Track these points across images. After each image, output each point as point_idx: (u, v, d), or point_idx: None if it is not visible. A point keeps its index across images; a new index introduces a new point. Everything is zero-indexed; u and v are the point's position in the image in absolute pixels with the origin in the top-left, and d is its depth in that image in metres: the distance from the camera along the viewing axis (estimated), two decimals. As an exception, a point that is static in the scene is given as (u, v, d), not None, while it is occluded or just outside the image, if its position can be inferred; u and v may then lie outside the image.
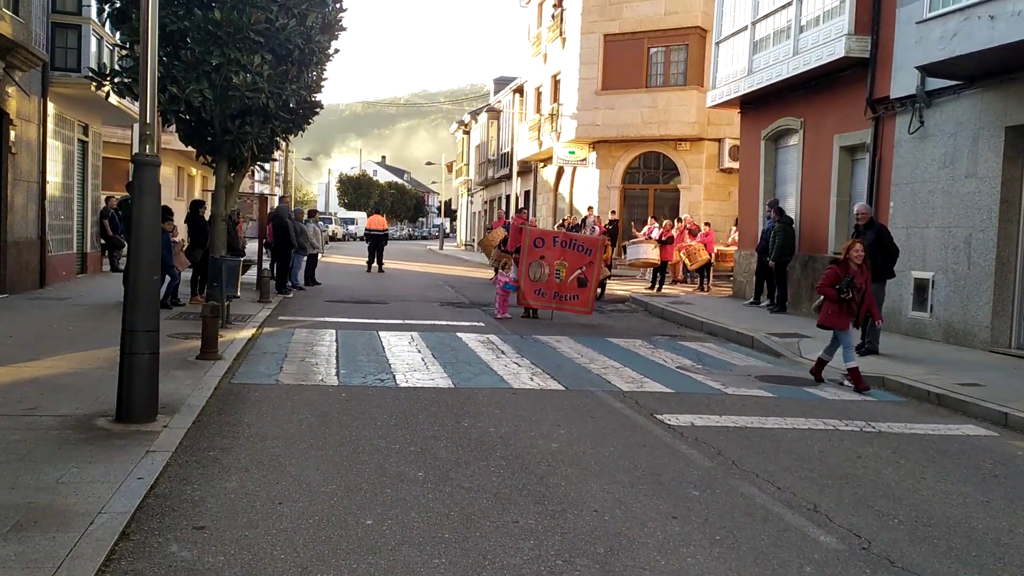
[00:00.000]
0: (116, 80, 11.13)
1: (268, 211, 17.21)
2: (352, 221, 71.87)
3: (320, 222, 55.81)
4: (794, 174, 16.52)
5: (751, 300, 16.86)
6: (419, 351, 10.36)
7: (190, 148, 12.96)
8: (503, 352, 10.60)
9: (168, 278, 12.93)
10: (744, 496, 5.20)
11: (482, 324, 13.50)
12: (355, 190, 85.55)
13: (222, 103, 11.06)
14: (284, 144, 13.18)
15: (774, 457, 6.18)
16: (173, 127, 12.64)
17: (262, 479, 5.09)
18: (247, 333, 10.85)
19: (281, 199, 17.06)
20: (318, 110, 13.04)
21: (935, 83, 12.04)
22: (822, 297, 9.46)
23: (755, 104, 17.69)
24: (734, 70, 17.54)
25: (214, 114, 11.23)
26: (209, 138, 12.00)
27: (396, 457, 5.68)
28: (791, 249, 15.42)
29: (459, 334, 12.06)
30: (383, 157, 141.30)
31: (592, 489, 5.21)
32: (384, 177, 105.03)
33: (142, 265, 6.11)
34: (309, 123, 13.23)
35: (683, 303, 17.01)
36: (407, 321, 13.35)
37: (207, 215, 13.21)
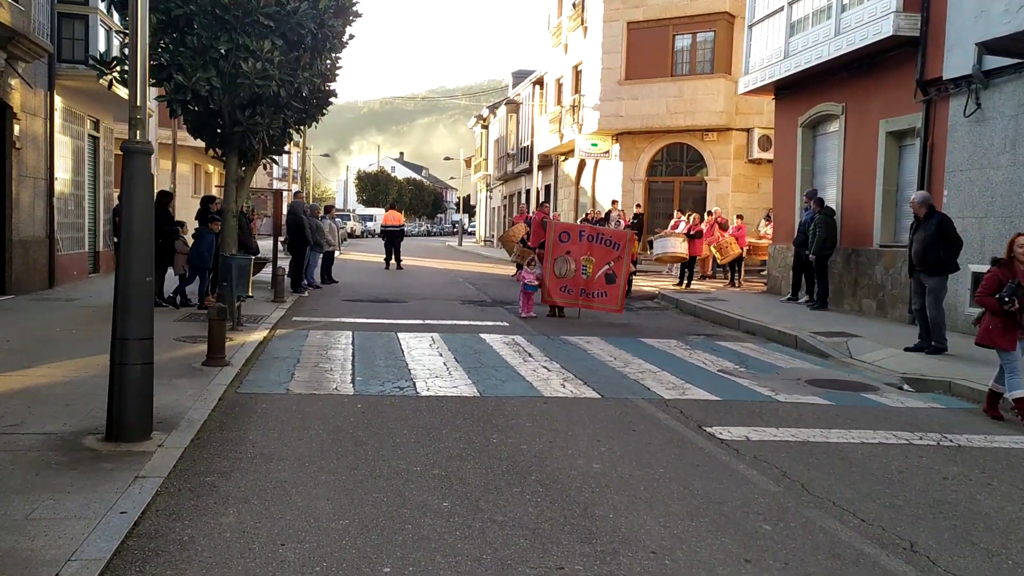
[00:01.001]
0: (120, 69, 10.50)
1: (283, 207, 16.58)
2: (370, 218, 71.34)
3: (338, 219, 55.53)
4: (834, 163, 15.66)
5: (788, 296, 16.03)
6: (441, 354, 9.66)
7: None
8: (530, 355, 9.88)
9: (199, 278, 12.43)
10: (825, 531, 4.45)
11: (506, 324, 12.79)
12: (373, 187, 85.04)
13: (231, 92, 10.40)
14: (297, 136, 12.46)
15: (848, 479, 5.42)
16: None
17: (264, 512, 4.41)
18: (258, 336, 10.20)
19: (296, 195, 16.42)
20: (332, 100, 12.35)
21: (992, 62, 11.18)
22: (981, 309, 7.54)
23: (791, 89, 16.83)
24: (768, 54, 16.69)
25: (222, 104, 10.57)
26: (218, 130, 11.36)
27: (418, 482, 4.98)
28: (833, 242, 14.58)
29: (482, 335, 11.35)
30: (401, 153, 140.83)
31: (645, 523, 4.48)
32: (402, 173, 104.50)
33: (133, 265, 5.45)
34: (323, 113, 12.54)
35: (716, 299, 16.21)
36: (427, 321, 12.66)
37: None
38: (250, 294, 10.94)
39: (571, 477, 5.20)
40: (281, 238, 16.77)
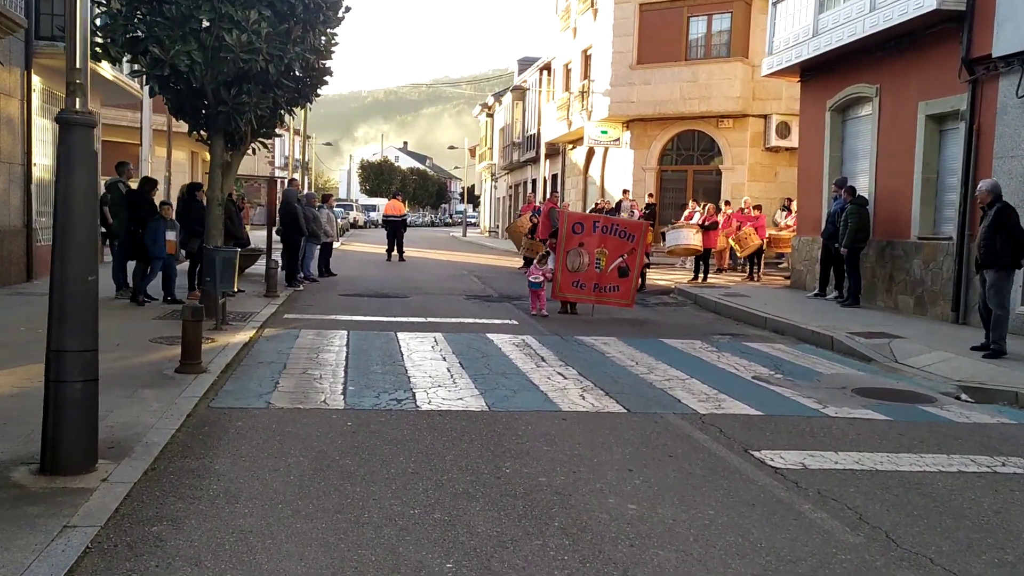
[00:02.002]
0: (92, 41, 9.51)
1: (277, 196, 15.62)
2: (374, 208, 70.36)
3: (339, 208, 54.60)
4: (866, 149, 14.64)
5: (815, 291, 15.03)
6: (444, 358, 8.71)
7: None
8: (543, 359, 8.93)
9: (150, 270, 11.40)
10: (934, 606, 3.50)
11: (515, 322, 11.83)
12: (377, 176, 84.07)
13: (214, 67, 9.43)
14: (289, 118, 11.47)
15: (938, 524, 4.46)
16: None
17: (218, 579, 3.47)
18: (243, 336, 9.25)
19: (290, 182, 15.45)
20: (328, 79, 11.36)
21: (1051, 37, 10.17)
22: None
23: (819, 71, 15.79)
24: (795, 32, 15.65)
25: (205, 80, 9.60)
26: (202, 110, 10.40)
27: (415, 532, 4.03)
28: (866, 234, 13.58)
29: (489, 335, 10.40)
30: (405, 143, 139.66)
31: (703, 592, 3.53)
32: (406, 163, 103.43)
33: (70, 262, 4.51)
34: (318, 94, 11.56)
35: (737, 295, 15.23)
36: (429, 319, 11.71)
37: (205, 199, 11.65)
38: (236, 290, 9.99)
39: (602, 523, 4.25)
40: (275, 228, 15.81)
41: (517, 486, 4.75)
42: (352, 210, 62.22)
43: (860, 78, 14.61)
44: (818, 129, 16.06)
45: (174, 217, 11.80)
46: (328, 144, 62.42)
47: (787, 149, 25.45)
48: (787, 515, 4.48)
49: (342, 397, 6.74)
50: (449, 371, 8.03)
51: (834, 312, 13.02)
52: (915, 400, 7.71)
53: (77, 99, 4.50)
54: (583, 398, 7.11)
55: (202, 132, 10.72)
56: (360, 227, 60.18)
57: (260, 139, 11.20)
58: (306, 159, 51.93)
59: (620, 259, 12.71)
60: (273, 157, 58.47)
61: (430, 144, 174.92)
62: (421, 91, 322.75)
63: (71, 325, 4.48)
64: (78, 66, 4.50)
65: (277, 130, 11.51)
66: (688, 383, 7.96)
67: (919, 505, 4.74)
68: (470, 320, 11.80)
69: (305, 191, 18.18)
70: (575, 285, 12.73)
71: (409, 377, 7.66)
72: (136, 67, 9.69)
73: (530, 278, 12.64)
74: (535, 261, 12.96)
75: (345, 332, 10.11)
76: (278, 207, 15.28)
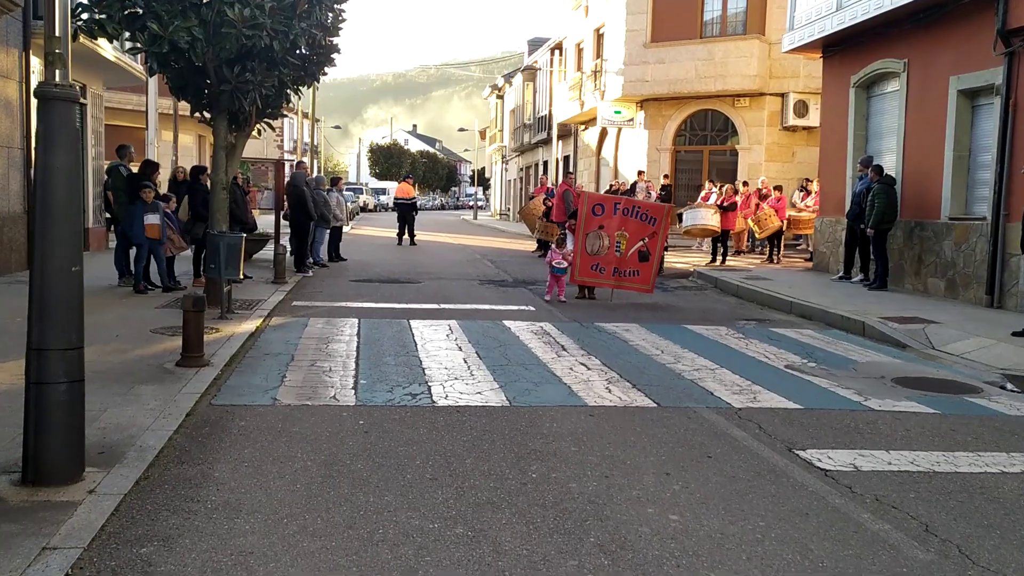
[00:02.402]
0: (85, 17, 9.08)
1: (285, 179, 15.19)
2: (384, 191, 70.04)
3: (349, 191, 54.15)
4: (893, 126, 14.08)
5: (840, 274, 14.52)
6: (460, 347, 8.29)
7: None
8: (563, 348, 8.49)
9: (145, 257, 10.96)
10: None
11: (532, 308, 11.39)
12: (386, 159, 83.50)
13: (215, 43, 8.97)
14: (295, 97, 11.00)
15: (1013, 534, 4.02)
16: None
17: (214, 611, 3.06)
18: (249, 326, 8.85)
19: (298, 165, 15.00)
20: (335, 56, 10.87)
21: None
22: None
23: (843, 46, 15.21)
24: (817, 6, 15.05)
25: (207, 58, 9.15)
26: (204, 89, 9.96)
27: (435, 551, 3.61)
28: (893, 214, 13.05)
29: (506, 322, 9.97)
30: (414, 126, 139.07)
31: (765, 623, 3.10)
32: (416, 146, 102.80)
33: (53, 251, 4.10)
34: (325, 73, 11.06)
35: (759, 278, 14.74)
36: (443, 306, 11.29)
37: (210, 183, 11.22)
38: (241, 277, 9.58)
39: (643, 538, 3.82)
40: (283, 213, 15.40)
41: (546, 494, 4.33)
42: (362, 193, 61.86)
43: (887, 53, 14.03)
44: (842, 106, 15.49)
45: (174, 200, 11.38)
46: (337, 127, 61.97)
47: (805, 128, 24.87)
48: (846, 527, 4.04)
49: (353, 392, 6.32)
50: (466, 362, 7.61)
51: (862, 296, 12.53)
52: (960, 391, 7.25)
53: (57, 71, 4.07)
54: (609, 391, 6.67)
55: (205, 113, 10.27)
56: (370, 211, 59.83)
57: (266, 120, 10.74)
58: (315, 143, 51.53)
59: (641, 243, 12.24)
60: (282, 141, 58.18)
61: (440, 127, 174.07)
62: (430, 74, 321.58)
63: (53, 320, 4.08)
64: (57, 34, 4.07)
65: (284, 111, 11.01)
66: (718, 373, 7.51)
67: (988, 513, 4.30)
68: (485, 307, 11.37)
69: (314, 174, 17.73)
70: (594, 269, 12.28)
71: (424, 369, 7.24)
72: (135, 44, 9.22)
73: (553, 263, 12.11)
74: (553, 245, 12.45)
75: (356, 320, 9.70)
76: (286, 191, 14.87)
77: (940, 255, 12.55)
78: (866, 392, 6.98)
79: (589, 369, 7.48)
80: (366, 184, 73.52)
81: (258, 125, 10.77)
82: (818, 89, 24.41)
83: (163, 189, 13.35)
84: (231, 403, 5.89)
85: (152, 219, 10.52)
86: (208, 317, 8.94)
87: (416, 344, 8.39)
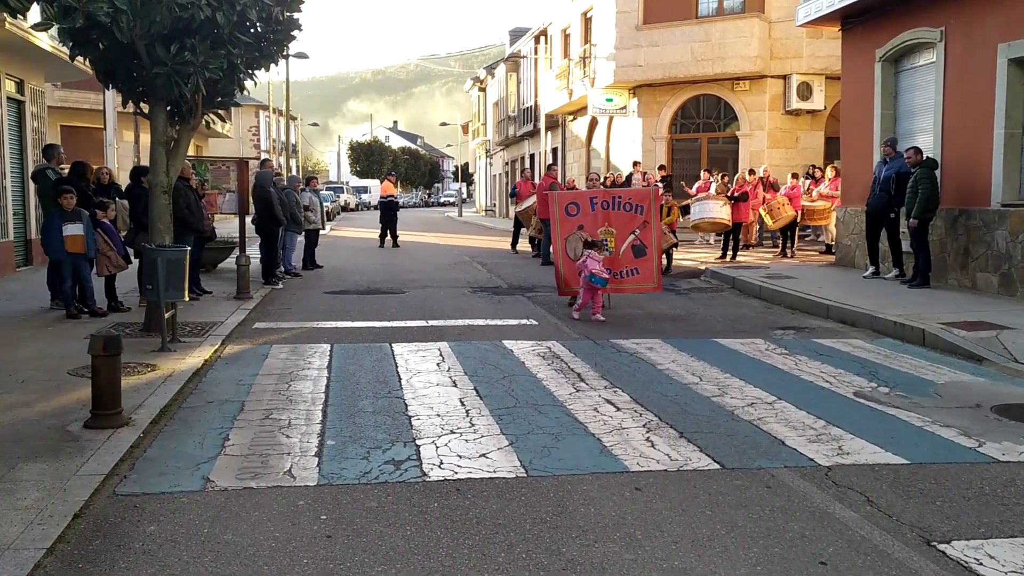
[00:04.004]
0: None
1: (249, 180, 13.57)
2: (365, 189, 68.28)
3: (330, 191, 52.40)
4: (928, 103, 12.61)
5: (872, 270, 13.03)
6: (454, 381, 6.73)
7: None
8: (580, 377, 6.95)
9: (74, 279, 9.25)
10: None
11: (534, 322, 9.85)
12: (367, 157, 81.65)
13: (143, 17, 7.37)
14: (250, 82, 9.35)
15: None
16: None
17: None
18: (196, 359, 7.24)
19: (263, 163, 13.37)
20: (295, 32, 9.26)
21: None
22: None
23: (866, 16, 13.72)
24: (838, -27, 13.57)
25: (134, 34, 7.54)
26: (137, 74, 8.35)
27: None
28: (937, 202, 11.59)
29: (507, 343, 8.42)
30: (395, 122, 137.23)
31: None
32: (397, 143, 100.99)
33: None
34: (285, 54, 9.49)
35: (781, 276, 13.25)
36: (432, 323, 9.72)
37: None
38: (186, 298, 7.97)
39: None
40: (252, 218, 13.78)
41: (603, 660, 2.78)
42: (343, 192, 60.13)
43: (919, 21, 12.55)
44: (865, 84, 13.99)
45: (112, 208, 9.74)
46: (315, 125, 60.15)
47: (809, 112, 23.45)
48: None
49: (316, 461, 4.74)
50: (463, 403, 6.05)
51: (905, 296, 11.06)
52: (1085, 423, 5.76)
53: None
54: (651, 444, 5.13)
55: (142, 105, 8.65)
56: (352, 210, 58.16)
57: (215, 110, 9.12)
58: (292, 141, 49.75)
59: (632, 236, 10.66)
60: (259, 140, 56.33)
61: (423, 123, 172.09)
62: (410, 70, 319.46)
63: None
64: None
65: (235, 97, 9.36)
66: (778, 408, 5.99)
67: None
68: (481, 322, 9.81)
69: (290, 173, 16.09)
70: (581, 276, 10.76)
71: (410, 417, 5.67)
72: (46, 20, 7.57)
73: (591, 271, 9.84)
74: (591, 251, 10.39)
75: (328, 347, 8.11)
76: (252, 193, 13.24)
77: (992, 247, 11.09)
78: (973, 431, 5.47)
79: (619, 409, 5.94)
80: (347, 183, 71.69)
81: (207, 117, 9.14)
82: (823, 70, 23.11)
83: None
84: (144, 491, 4.29)
85: (73, 230, 8.84)
86: (144, 350, 7.39)
87: (400, 379, 6.83)
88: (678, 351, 8.11)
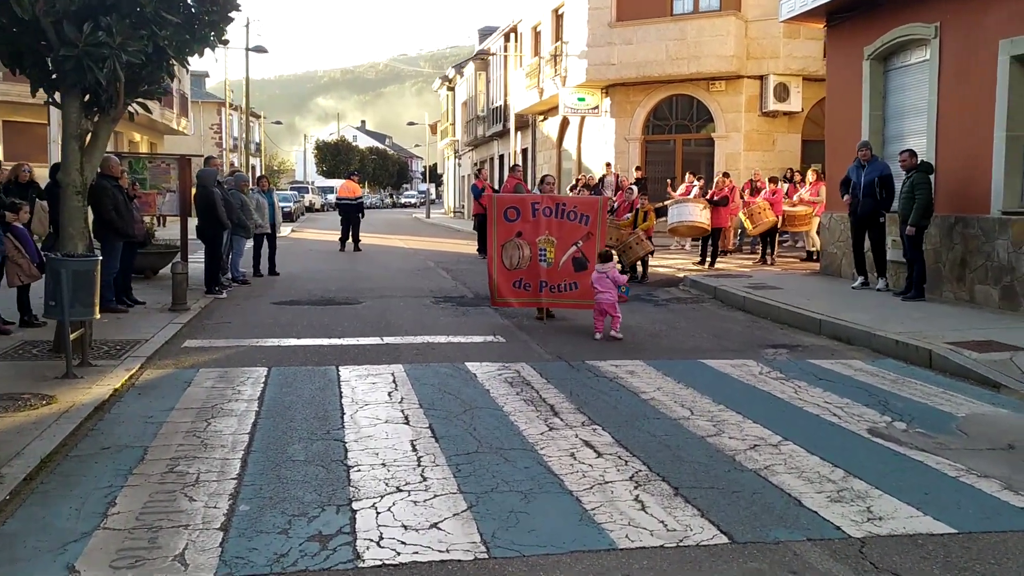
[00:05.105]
0: None
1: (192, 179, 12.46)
2: (331, 190, 66.85)
3: (293, 191, 51.07)
4: (921, 103, 11.85)
5: (861, 280, 12.23)
6: (406, 418, 5.75)
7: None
8: (553, 410, 6.00)
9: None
10: None
11: (501, 339, 8.90)
12: (334, 157, 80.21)
13: (47, -10, 6.33)
14: (181, 69, 8.30)
15: None
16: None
17: None
18: (103, 389, 6.18)
19: (207, 160, 12.25)
20: (233, 15, 8.21)
21: None
22: None
23: (854, 11, 12.95)
24: (825, -36, 12.79)
25: (37, 10, 6.49)
26: (48, 58, 7.28)
27: None
28: (932, 209, 10.84)
29: (470, 365, 7.46)
30: (363, 122, 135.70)
31: None
32: (365, 143, 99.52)
33: None
34: (224, 39, 8.40)
35: (764, 286, 12.43)
36: (387, 340, 8.72)
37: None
38: (97, 316, 6.89)
39: None
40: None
41: None
42: (308, 193, 58.84)
43: (911, 16, 11.79)
44: (852, 83, 13.23)
45: (25, 210, 8.60)
46: (278, 123, 58.70)
47: (786, 114, 22.78)
48: None
49: (220, 539, 3.73)
50: (414, 448, 5.08)
51: (901, 309, 10.27)
52: None
53: None
54: (642, 505, 4.20)
55: (51, 91, 7.56)
56: (317, 210, 56.88)
57: (140, 100, 8.05)
58: (252, 139, 48.31)
59: (574, 248, 9.78)
60: (221, 138, 54.80)
61: (393, 124, 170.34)
62: (379, 70, 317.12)
63: None
64: None
65: (163, 85, 8.29)
66: (786, 452, 5.10)
67: None
68: (442, 339, 8.83)
69: (237, 171, 14.97)
70: (517, 286, 9.84)
71: (349, 468, 4.68)
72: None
73: (603, 295, 9.04)
74: (613, 262, 9.49)
75: (263, 371, 7.09)
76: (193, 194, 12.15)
77: (992, 257, 10.34)
78: (1017, 484, 4.61)
79: (600, 455, 5.00)
80: (312, 183, 70.26)
81: (130, 106, 8.06)
82: (800, 70, 22.44)
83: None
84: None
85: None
86: (46, 376, 6.34)
87: (343, 413, 5.83)
88: (663, 375, 7.20)
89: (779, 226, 16.63)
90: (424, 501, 4.20)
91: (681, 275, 14.42)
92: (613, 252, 9.27)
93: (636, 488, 4.45)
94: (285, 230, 30.36)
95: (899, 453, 5.17)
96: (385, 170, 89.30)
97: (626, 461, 4.89)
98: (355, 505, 4.14)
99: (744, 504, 4.26)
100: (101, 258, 7.00)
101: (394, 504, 4.16)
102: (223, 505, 4.10)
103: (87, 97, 7.64)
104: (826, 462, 4.93)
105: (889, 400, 6.51)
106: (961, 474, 4.78)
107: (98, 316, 6.88)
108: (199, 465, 4.69)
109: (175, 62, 7.99)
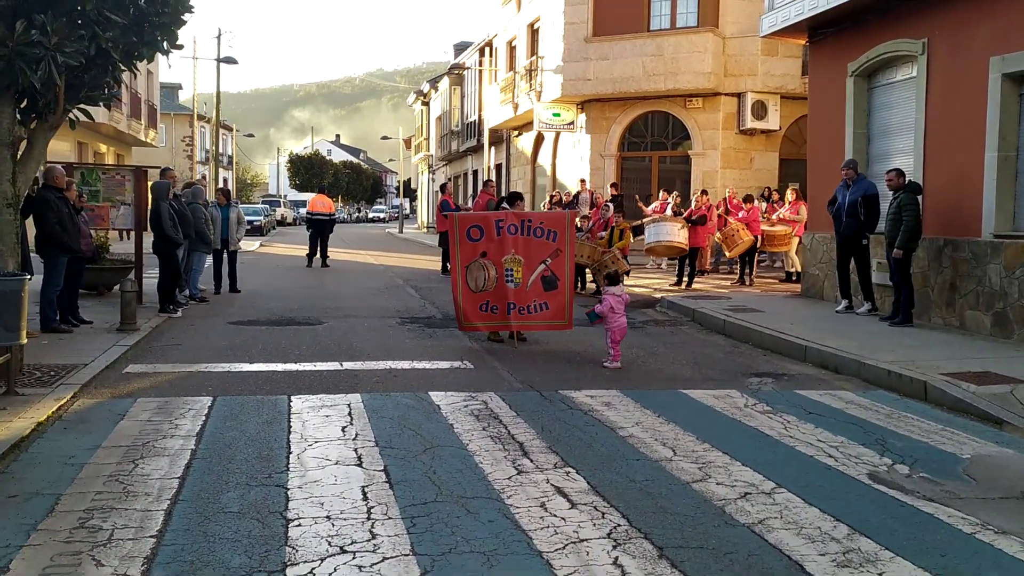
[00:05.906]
0: None
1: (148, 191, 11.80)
2: (304, 204, 66.10)
3: (265, 203, 50.25)
4: (907, 122, 11.52)
5: (845, 304, 11.83)
6: (359, 459, 5.17)
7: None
8: (523, 449, 5.45)
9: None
10: None
11: (468, 365, 8.35)
12: (307, 170, 79.27)
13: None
14: (127, 73, 7.69)
15: None
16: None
17: None
18: (25, 422, 5.54)
19: (163, 172, 11.59)
20: (186, 17, 7.64)
21: None
22: None
23: (838, 27, 12.63)
24: (808, -21, 12.45)
25: (-42, 4, 5.92)
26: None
27: None
28: (920, 231, 10.47)
29: (434, 395, 6.90)
30: (337, 136, 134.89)
31: None
32: (339, 156, 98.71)
33: None
34: (177, 44, 7.82)
35: (745, 309, 11.99)
36: (347, 365, 8.13)
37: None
38: (23, 340, 6.25)
39: None
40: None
41: None
42: (279, 206, 58.04)
43: (897, 32, 11.47)
44: (835, 100, 12.88)
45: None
46: (250, 136, 57.90)
47: (764, 132, 22.56)
48: None
49: (124, 617, 3.15)
50: (365, 496, 4.50)
51: (888, 336, 9.85)
52: None
53: None
54: (623, 573, 3.65)
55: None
56: (289, 224, 56.09)
57: (82, 106, 7.44)
58: (228, 152, 47.46)
59: (542, 266, 9.29)
60: (193, 151, 53.86)
61: (368, 139, 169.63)
62: (355, 84, 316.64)
63: None
64: None
65: (109, 90, 7.69)
66: (780, 502, 4.59)
67: None
68: (406, 364, 8.26)
69: (194, 184, 14.32)
70: (484, 309, 9.30)
71: (288, 523, 4.10)
72: None
73: (622, 320, 8.55)
74: (607, 284, 9.04)
75: (208, 401, 6.48)
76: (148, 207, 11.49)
77: (983, 282, 9.96)
78: (1038, 541, 4.13)
79: (573, 505, 4.45)
80: (284, 196, 69.43)
81: (71, 113, 7.44)
82: (778, 88, 22.23)
83: None
84: None
85: None
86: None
87: (290, 452, 5.24)
88: (641, 408, 6.68)
89: (758, 245, 16.25)
90: (371, 566, 3.63)
91: (658, 296, 13.96)
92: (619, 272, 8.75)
93: (615, 548, 3.91)
94: (253, 244, 29.65)
95: (906, 504, 4.67)
96: (359, 184, 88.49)
97: (603, 513, 4.35)
98: (289, 572, 3.55)
99: (739, 569, 3.73)
100: (29, 276, 6.36)
101: (335, 570, 3.58)
102: (135, 572, 3.50)
103: (24, 102, 7.03)
104: (827, 515, 4.43)
105: (887, 438, 6.03)
106: (977, 530, 4.29)
107: (24, 341, 6.23)
108: (115, 519, 4.08)
109: (122, 66, 7.38)
